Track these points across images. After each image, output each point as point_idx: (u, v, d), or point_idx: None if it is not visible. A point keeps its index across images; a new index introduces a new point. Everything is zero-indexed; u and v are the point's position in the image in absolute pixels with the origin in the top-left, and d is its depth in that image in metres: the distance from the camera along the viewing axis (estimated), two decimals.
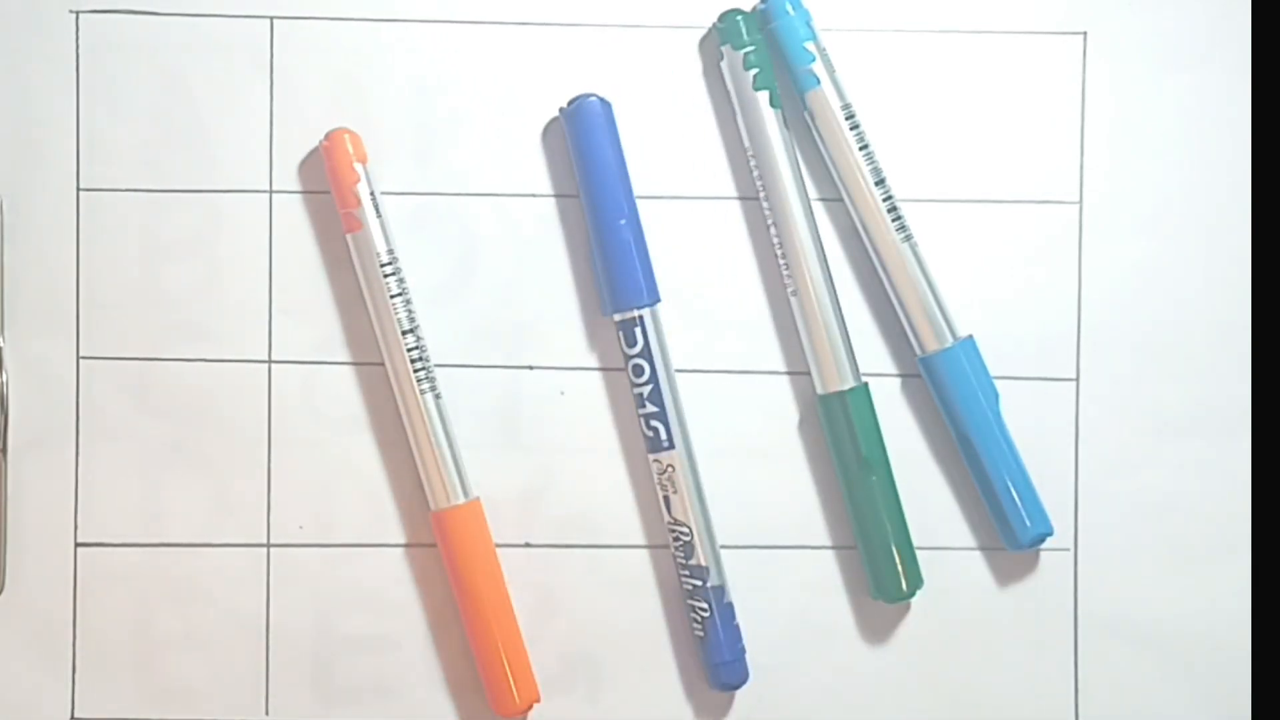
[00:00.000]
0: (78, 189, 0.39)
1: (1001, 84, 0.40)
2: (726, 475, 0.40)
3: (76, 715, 0.40)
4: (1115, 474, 0.40)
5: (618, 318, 0.39)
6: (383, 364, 0.39)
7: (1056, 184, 0.41)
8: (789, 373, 0.40)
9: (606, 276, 0.39)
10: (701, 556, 0.39)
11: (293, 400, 0.40)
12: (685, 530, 0.39)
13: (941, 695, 0.40)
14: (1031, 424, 0.40)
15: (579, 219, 0.40)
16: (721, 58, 0.40)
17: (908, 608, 0.40)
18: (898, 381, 0.40)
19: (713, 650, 0.39)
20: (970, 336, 0.40)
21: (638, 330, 0.39)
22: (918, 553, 0.40)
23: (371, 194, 0.39)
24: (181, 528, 0.40)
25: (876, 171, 0.39)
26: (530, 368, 0.40)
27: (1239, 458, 0.40)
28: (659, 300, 0.39)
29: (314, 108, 0.40)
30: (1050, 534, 0.40)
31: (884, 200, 0.39)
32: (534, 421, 0.40)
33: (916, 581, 0.40)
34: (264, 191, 0.40)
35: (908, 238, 0.39)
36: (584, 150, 0.39)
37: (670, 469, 0.39)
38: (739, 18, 0.39)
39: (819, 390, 0.40)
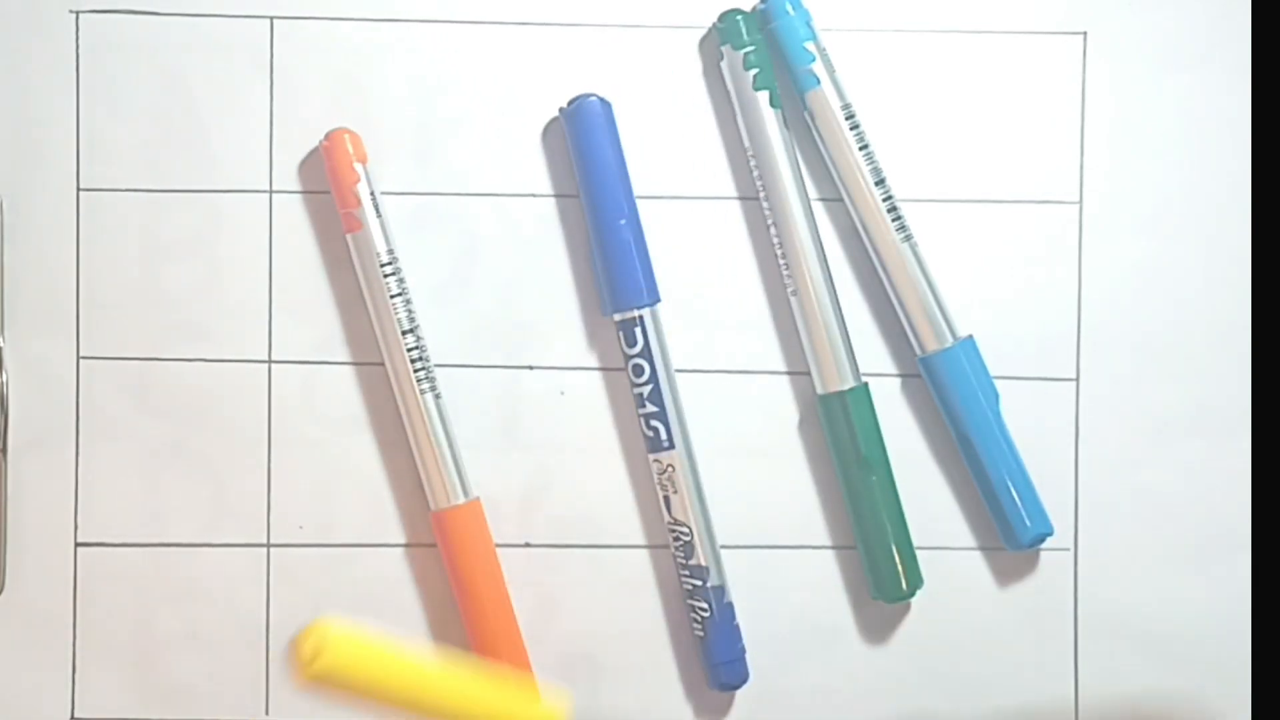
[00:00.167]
0: (78, 189, 0.39)
1: (1001, 84, 0.40)
2: (726, 475, 0.40)
3: (76, 715, 0.40)
4: (1115, 474, 0.40)
5: (618, 318, 0.39)
6: (383, 364, 0.39)
7: (1056, 184, 0.41)
8: (789, 373, 0.40)
9: (606, 276, 0.39)
10: (701, 556, 0.39)
11: (293, 400, 0.40)
12: (685, 530, 0.39)
13: (941, 695, 0.40)
14: (1031, 424, 0.40)
15: (579, 219, 0.40)
16: (721, 58, 0.40)
17: (908, 608, 0.40)
18: (898, 381, 0.40)
19: (713, 650, 0.39)
20: (970, 336, 0.40)
21: (638, 330, 0.39)
22: (918, 553, 0.40)
23: (371, 194, 0.39)
24: (181, 528, 0.40)
25: (876, 171, 0.39)
26: (530, 368, 0.40)
27: (1239, 458, 0.40)
28: (659, 300, 0.39)
29: (314, 108, 0.40)
30: (1050, 534, 0.40)
31: (884, 200, 0.39)
32: (534, 421, 0.40)
33: (916, 581, 0.40)
34: (264, 191, 0.40)
35: (908, 238, 0.39)
36: (584, 150, 0.39)
37: (670, 469, 0.39)
38: (739, 18, 0.39)
39: (819, 390, 0.40)
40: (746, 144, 0.40)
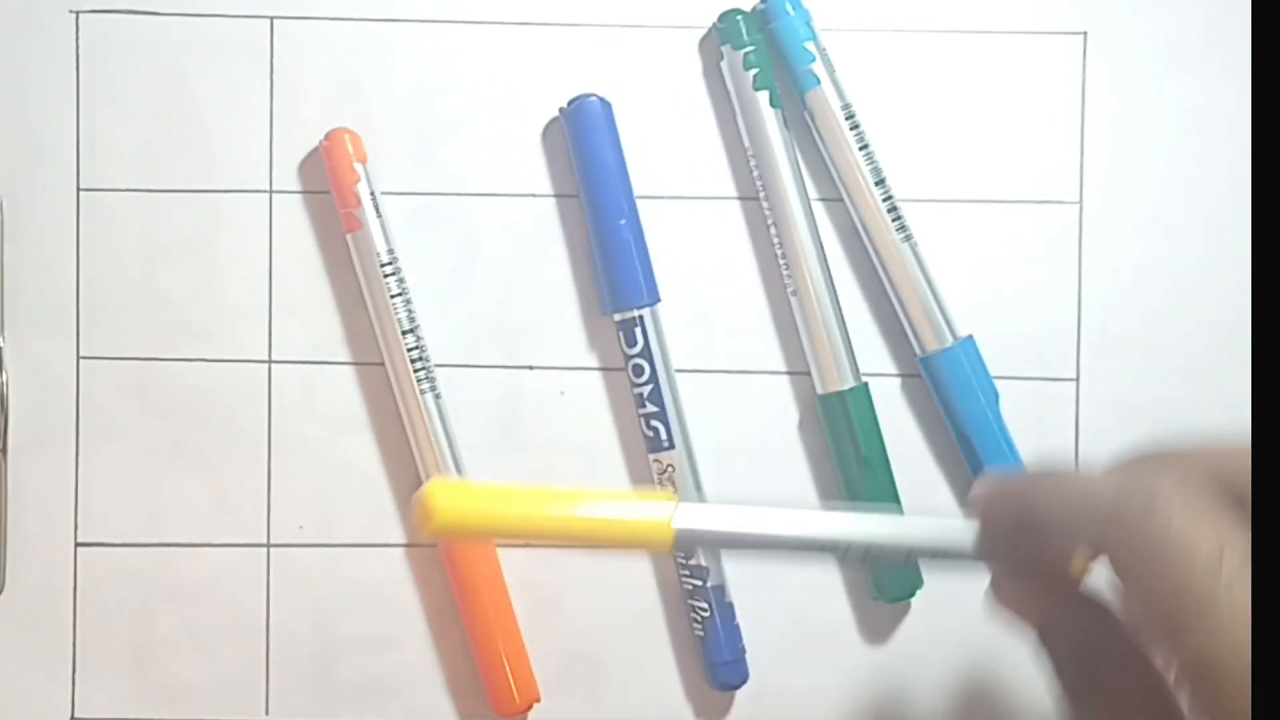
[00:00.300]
0: (78, 189, 0.39)
1: (1001, 84, 0.40)
2: (726, 475, 0.40)
3: (76, 715, 0.40)
4: None
5: (618, 318, 0.39)
6: (383, 364, 0.39)
7: (1056, 184, 0.41)
8: (789, 373, 0.40)
9: (606, 276, 0.39)
10: (701, 556, 0.39)
11: (293, 400, 0.40)
12: None
13: (941, 695, 0.40)
14: (1031, 424, 0.40)
15: (579, 219, 0.40)
16: (721, 58, 0.40)
17: (908, 608, 0.40)
18: (898, 381, 0.40)
19: (713, 650, 0.39)
20: (970, 336, 0.40)
21: (638, 330, 0.39)
22: None
23: (371, 194, 0.39)
24: (181, 528, 0.40)
25: (876, 171, 0.39)
26: (530, 368, 0.40)
27: None
28: (659, 300, 0.39)
29: (314, 108, 0.40)
30: None
31: (884, 200, 0.39)
32: (534, 421, 0.40)
33: (916, 581, 0.40)
34: (264, 191, 0.40)
35: (908, 238, 0.39)
36: (584, 150, 0.39)
37: (670, 469, 0.39)
38: (739, 18, 0.39)
39: (819, 390, 0.40)
40: (746, 144, 0.40)
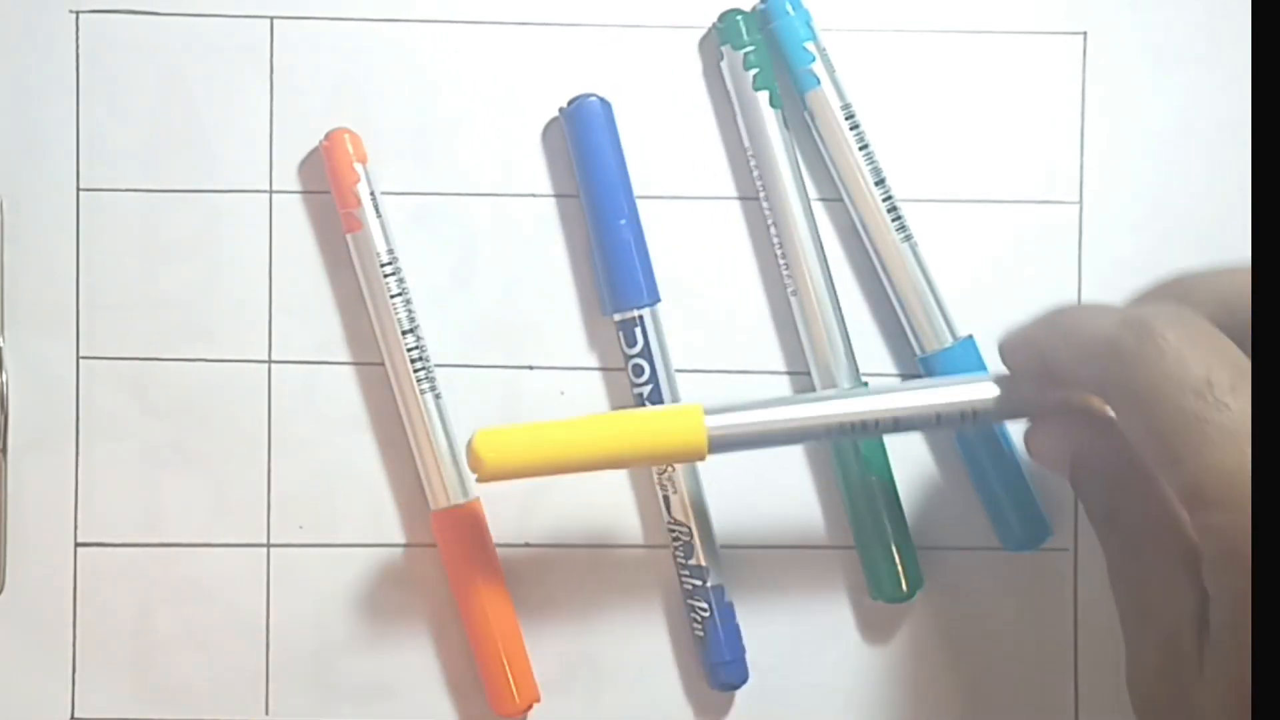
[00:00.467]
0: (78, 189, 0.39)
1: (1001, 84, 0.40)
2: (726, 475, 0.40)
3: (76, 715, 0.40)
4: None
5: (618, 318, 0.39)
6: (383, 364, 0.39)
7: (1056, 184, 0.41)
8: (789, 373, 0.40)
9: (606, 276, 0.39)
10: (701, 556, 0.39)
11: (293, 400, 0.40)
12: (685, 530, 0.39)
13: (941, 695, 0.40)
14: None
15: (579, 219, 0.40)
16: (721, 58, 0.40)
17: (908, 608, 0.40)
18: (897, 382, 0.40)
19: (713, 650, 0.39)
20: (970, 336, 0.40)
21: (638, 330, 0.39)
22: (918, 553, 0.40)
23: (371, 194, 0.39)
24: (181, 528, 0.40)
25: (876, 171, 0.39)
26: (530, 368, 0.40)
27: None
28: (659, 300, 0.39)
29: (314, 108, 0.40)
30: (1050, 534, 0.40)
31: (884, 200, 0.39)
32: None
33: (916, 581, 0.40)
34: (264, 191, 0.40)
35: (908, 238, 0.39)
36: (584, 150, 0.39)
37: (670, 469, 0.39)
38: (739, 18, 0.39)
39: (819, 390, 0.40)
40: (746, 144, 0.40)
